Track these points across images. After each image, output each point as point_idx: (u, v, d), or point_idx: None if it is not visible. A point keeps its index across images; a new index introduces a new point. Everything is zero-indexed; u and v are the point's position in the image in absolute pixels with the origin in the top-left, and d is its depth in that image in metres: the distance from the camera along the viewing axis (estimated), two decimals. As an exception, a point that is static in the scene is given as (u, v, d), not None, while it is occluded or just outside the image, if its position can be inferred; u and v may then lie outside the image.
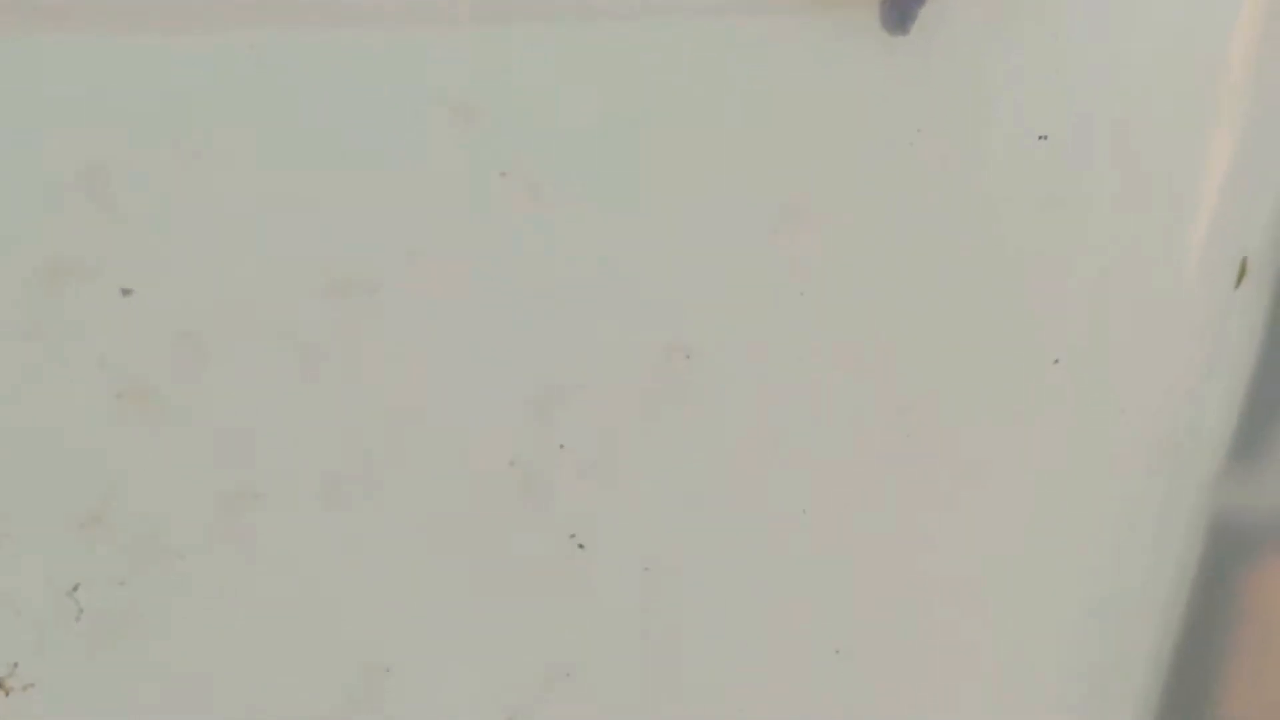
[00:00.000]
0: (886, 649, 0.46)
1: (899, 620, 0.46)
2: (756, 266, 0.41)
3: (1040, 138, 0.41)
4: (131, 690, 0.41)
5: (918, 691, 0.47)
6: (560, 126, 0.39)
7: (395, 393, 0.40)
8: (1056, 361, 0.43)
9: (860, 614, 0.45)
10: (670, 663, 0.44)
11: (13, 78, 0.36)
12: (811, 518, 0.43)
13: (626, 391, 0.41)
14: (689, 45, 0.39)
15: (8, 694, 0.41)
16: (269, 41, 0.37)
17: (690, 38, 0.38)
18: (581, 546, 0.42)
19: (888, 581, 0.45)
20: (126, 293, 0.39)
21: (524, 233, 0.39)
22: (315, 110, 0.38)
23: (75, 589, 0.41)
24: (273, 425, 0.40)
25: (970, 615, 0.46)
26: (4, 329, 0.38)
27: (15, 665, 0.41)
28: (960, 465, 0.44)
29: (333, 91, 0.38)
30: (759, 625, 0.45)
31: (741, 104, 0.40)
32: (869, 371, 0.43)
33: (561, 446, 0.41)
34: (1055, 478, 0.46)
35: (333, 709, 0.43)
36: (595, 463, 0.42)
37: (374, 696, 0.43)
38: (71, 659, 0.41)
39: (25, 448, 0.40)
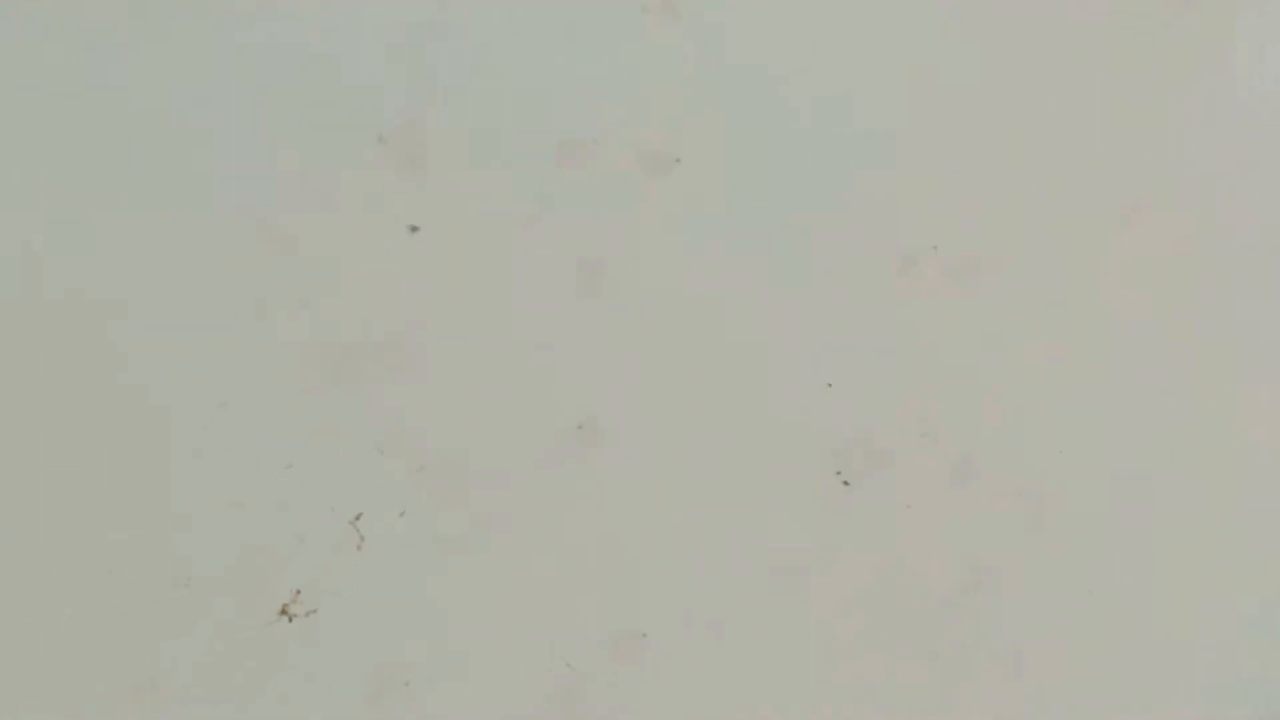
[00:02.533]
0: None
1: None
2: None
3: None
4: (409, 617, 0.43)
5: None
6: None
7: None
8: None
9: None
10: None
11: None
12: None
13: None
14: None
15: (291, 620, 0.43)
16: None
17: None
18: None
19: None
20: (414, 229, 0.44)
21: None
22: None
23: (357, 518, 0.43)
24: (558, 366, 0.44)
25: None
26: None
27: (298, 592, 0.43)
28: None
29: None
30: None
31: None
32: None
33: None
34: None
35: (595, 663, 0.45)
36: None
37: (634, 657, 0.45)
38: (352, 586, 0.43)
39: (314, 378, 0.43)
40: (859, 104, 0.47)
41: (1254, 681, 0.48)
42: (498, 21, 0.44)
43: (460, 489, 0.44)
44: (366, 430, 0.44)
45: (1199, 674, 0.48)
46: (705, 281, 0.45)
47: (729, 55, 0.46)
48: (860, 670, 0.46)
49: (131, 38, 0.42)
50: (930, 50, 0.48)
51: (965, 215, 0.47)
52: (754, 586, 0.45)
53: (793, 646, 0.46)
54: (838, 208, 0.46)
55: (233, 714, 0.42)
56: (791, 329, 0.45)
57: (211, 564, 0.43)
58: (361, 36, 0.43)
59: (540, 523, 0.45)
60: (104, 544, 0.42)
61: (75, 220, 0.41)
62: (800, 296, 0.46)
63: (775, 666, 0.45)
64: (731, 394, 0.45)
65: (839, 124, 0.46)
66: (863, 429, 0.46)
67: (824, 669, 0.45)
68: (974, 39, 0.48)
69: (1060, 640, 0.47)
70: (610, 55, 0.45)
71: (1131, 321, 0.48)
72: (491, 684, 0.44)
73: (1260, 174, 0.48)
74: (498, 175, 0.44)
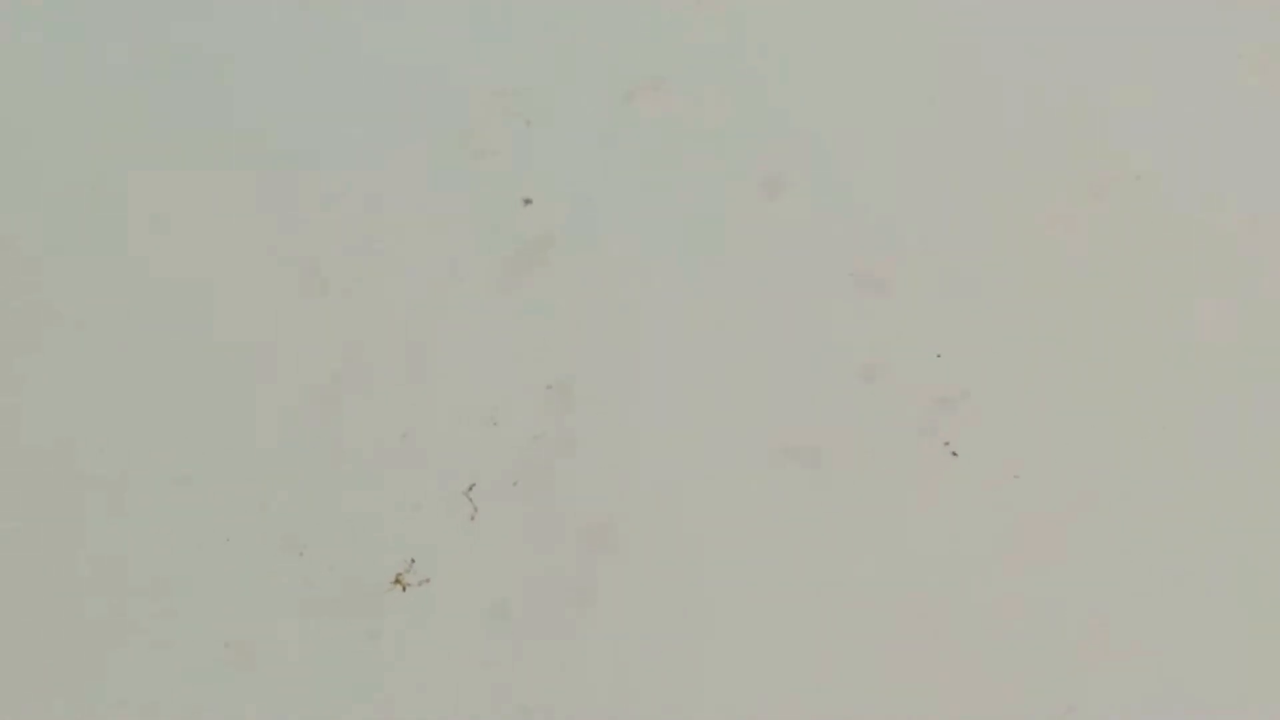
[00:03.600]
0: None
1: None
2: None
3: None
4: (521, 586, 0.42)
5: None
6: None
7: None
8: None
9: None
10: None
11: None
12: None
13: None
14: None
15: (405, 589, 0.42)
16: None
17: None
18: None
19: None
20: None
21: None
22: None
23: (470, 489, 0.43)
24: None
25: None
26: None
27: (412, 561, 0.43)
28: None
29: None
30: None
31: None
32: None
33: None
34: None
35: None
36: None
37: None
38: (465, 556, 0.43)
39: (432, 350, 0.45)
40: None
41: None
42: None
43: (572, 460, 0.44)
44: (480, 401, 0.44)
45: None
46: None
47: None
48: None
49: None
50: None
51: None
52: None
53: None
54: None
55: (346, 681, 0.41)
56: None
57: (327, 533, 0.43)
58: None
59: (655, 489, 0.44)
60: (221, 512, 0.43)
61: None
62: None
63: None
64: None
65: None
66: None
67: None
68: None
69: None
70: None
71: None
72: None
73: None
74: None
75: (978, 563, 0.42)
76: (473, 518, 0.43)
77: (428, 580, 0.43)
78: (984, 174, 0.48)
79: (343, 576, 0.43)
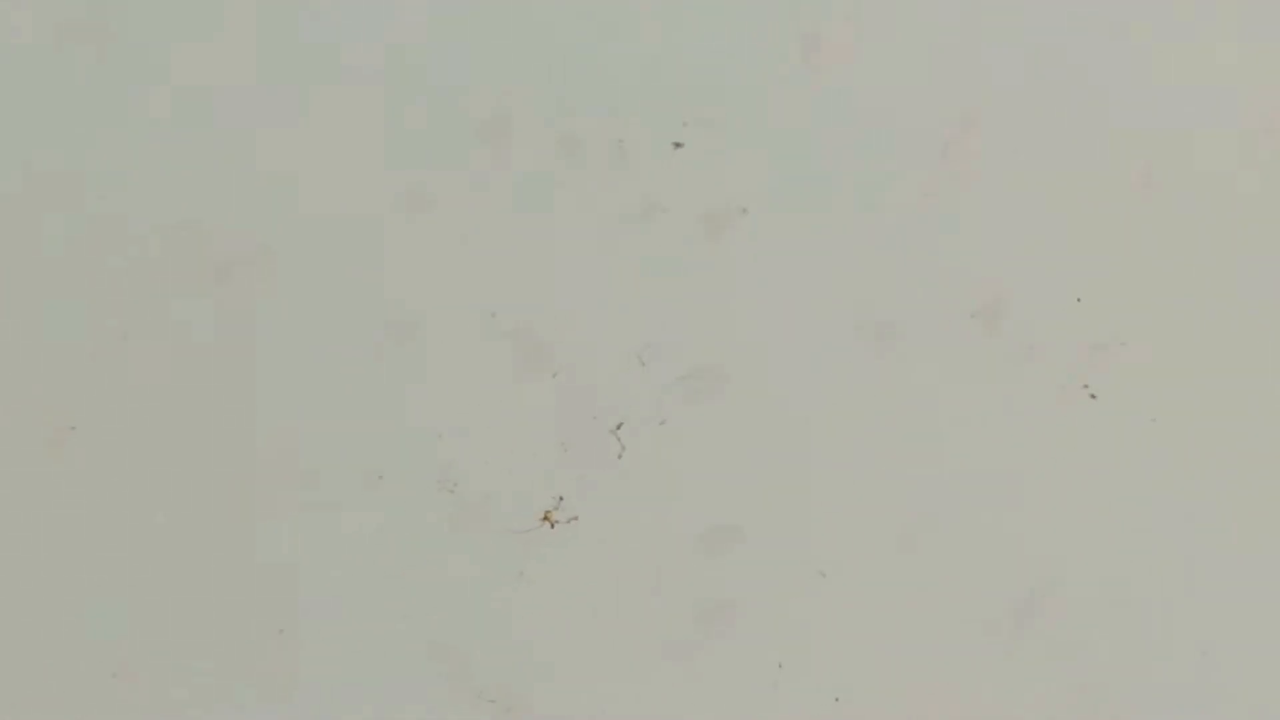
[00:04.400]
0: None
1: None
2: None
3: None
4: (665, 523, 0.44)
5: None
6: None
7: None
8: None
9: None
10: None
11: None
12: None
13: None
14: None
15: (553, 526, 0.44)
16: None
17: None
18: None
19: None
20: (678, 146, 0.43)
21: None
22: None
23: (618, 427, 0.44)
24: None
25: None
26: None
27: (560, 499, 0.44)
28: None
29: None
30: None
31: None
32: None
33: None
34: None
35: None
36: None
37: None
38: (613, 495, 0.44)
39: (579, 287, 0.43)
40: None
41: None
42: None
43: (720, 399, 0.44)
44: (628, 340, 0.44)
45: None
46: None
47: None
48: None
49: None
50: None
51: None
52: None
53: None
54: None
55: (501, 615, 0.44)
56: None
57: (477, 471, 0.44)
58: None
59: (804, 430, 0.44)
60: (371, 452, 0.43)
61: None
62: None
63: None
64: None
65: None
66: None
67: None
68: None
69: None
70: None
71: None
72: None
73: None
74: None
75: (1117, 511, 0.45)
76: (620, 456, 0.44)
77: (575, 518, 0.44)
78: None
79: (493, 513, 0.44)
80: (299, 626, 0.43)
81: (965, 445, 0.44)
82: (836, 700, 0.44)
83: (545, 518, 0.44)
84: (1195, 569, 0.45)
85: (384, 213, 0.43)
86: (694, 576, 0.44)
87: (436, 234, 0.44)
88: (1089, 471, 0.44)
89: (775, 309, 0.44)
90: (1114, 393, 0.45)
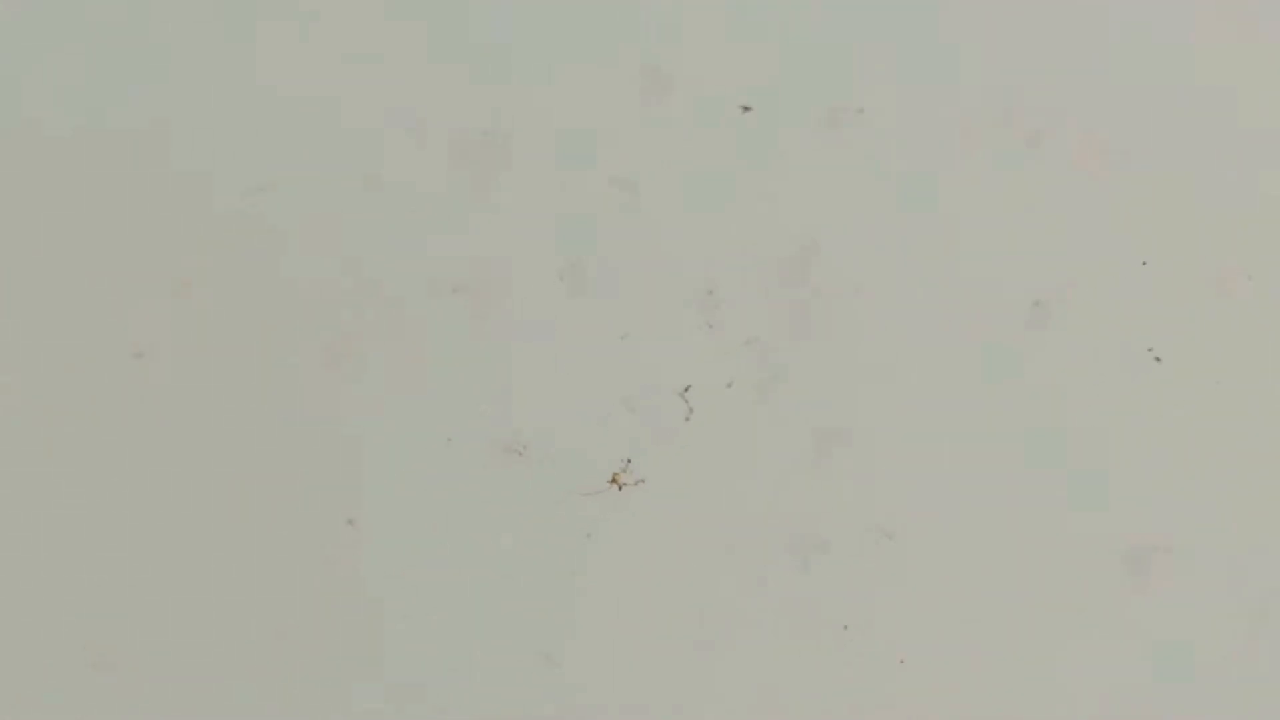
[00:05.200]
0: None
1: None
2: None
3: None
4: (732, 485, 0.44)
5: None
6: None
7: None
8: None
9: None
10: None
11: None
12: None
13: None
14: None
15: (621, 488, 0.44)
16: None
17: None
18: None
19: None
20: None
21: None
22: None
23: (686, 390, 0.44)
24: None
25: None
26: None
27: (628, 461, 0.44)
28: None
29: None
30: None
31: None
32: None
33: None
34: None
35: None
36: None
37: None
38: (680, 457, 0.44)
39: (648, 252, 0.43)
40: None
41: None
42: None
43: (784, 365, 0.44)
44: (695, 305, 0.44)
45: None
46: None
47: None
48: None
49: None
50: None
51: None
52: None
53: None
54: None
55: (566, 578, 0.44)
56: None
57: (546, 433, 0.44)
58: None
59: (873, 391, 0.45)
60: (443, 414, 0.44)
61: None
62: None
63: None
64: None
65: None
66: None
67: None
68: None
69: None
70: None
71: None
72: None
73: None
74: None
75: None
76: (687, 419, 0.44)
77: (643, 480, 0.44)
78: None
79: (562, 475, 0.44)
80: (366, 589, 0.44)
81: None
82: (902, 662, 0.45)
83: (613, 480, 0.44)
84: None
85: (455, 178, 0.44)
86: (761, 539, 0.44)
87: (509, 195, 0.44)
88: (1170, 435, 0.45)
89: (853, 265, 0.44)
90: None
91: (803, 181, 0.44)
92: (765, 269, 0.44)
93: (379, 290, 0.44)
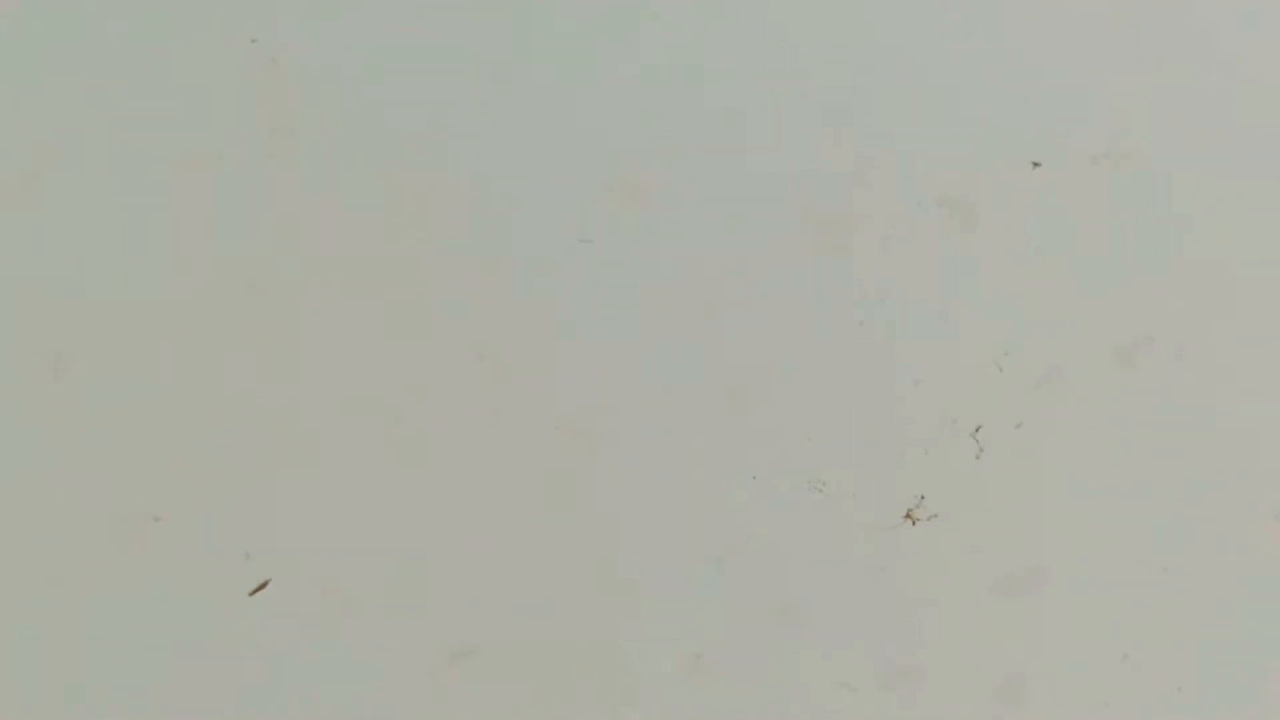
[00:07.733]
0: None
1: None
2: None
3: None
4: (1020, 521, 0.46)
5: None
6: None
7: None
8: None
9: None
10: None
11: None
12: None
13: None
14: None
15: (914, 523, 0.46)
16: None
17: None
18: None
19: None
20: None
21: None
22: None
23: (977, 430, 0.46)
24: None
25: None
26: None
27: (921, 498, 0.46)
28: None
29: None
30: None
31: None
32: None
33: None
34: None
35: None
36: None
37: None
38: (971, 494, 0.46)
39: (933, 296, 0.45)
40: None
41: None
42: None
43: (1073, 403, 0.46)
44: (986, 343, 0.46)
45: None
46: None
47: None
48: None
49: None
50: None
51: None
52: None
53: None
54: None
55: (866, 607, 0.46)
56: None
57: (844, 470, 0.46)
58: None
59: (1159, 430, 0.47)
60: (744, 455, 0.46)
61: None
62: None
63: None
64: None
65: None
66: None
67: None
68: None
69: None
70: None
71: None
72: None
73: None
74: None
75: None
76: (978, 457, 0.46)
77: (936, 516, 0.46)
78: None
79: (860, 511, 0.46)
80: (649, 617, 0.46)
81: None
82: (1180, 690, 0.47)
83: (907, 515, 0.46)
84: None
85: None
86: (1047, 570, 0.46)
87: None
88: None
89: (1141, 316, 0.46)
90: None
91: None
92: (1053, 313, 0.46)
93: (680, 323, 0.46)
